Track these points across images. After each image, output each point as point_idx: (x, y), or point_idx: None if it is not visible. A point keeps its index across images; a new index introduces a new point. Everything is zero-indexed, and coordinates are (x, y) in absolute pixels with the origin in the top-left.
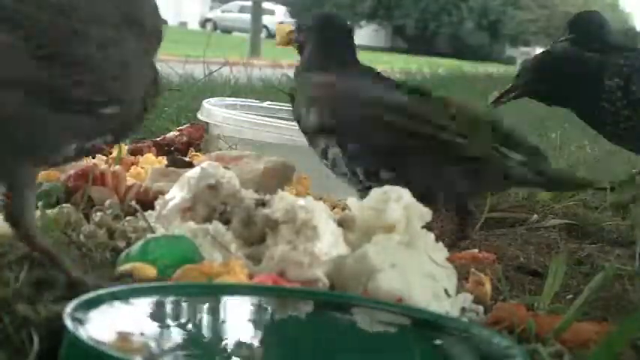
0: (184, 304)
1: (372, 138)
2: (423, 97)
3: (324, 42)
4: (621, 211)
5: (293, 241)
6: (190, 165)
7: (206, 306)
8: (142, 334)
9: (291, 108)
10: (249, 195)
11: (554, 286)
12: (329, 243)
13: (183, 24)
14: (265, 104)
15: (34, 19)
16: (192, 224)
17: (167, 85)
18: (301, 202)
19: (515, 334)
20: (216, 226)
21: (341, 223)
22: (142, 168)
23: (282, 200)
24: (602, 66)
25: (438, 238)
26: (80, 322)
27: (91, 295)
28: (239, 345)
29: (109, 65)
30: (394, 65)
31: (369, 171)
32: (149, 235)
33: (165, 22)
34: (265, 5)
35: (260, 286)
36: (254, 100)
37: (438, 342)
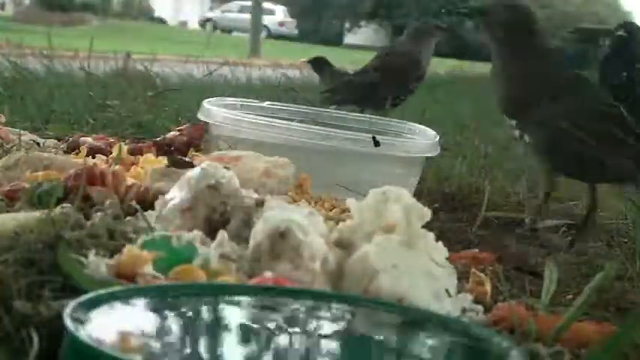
0: (184, 304)
1: None
2: None
3: None
4: None
5: (293, 260)
6: (190, 165)
7: (206, 306)
8: (142, 334)
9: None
10: (249, 195)
11: (552, 287)
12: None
13: (183, 24)
14: (265, 104)
15: None
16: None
17: (167, 85)
18: (282, 222)
19: (516, 334)
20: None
21: (338, 244)
22: (142, 168)
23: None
24: None
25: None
26: (80, 322)
27: (91, 295)
28: (239, 345)
29: None
30: None
31: None
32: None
33: None
34: (265, 5)
35: (260, 286)
36: (254, 100)
37: (438, 342)
